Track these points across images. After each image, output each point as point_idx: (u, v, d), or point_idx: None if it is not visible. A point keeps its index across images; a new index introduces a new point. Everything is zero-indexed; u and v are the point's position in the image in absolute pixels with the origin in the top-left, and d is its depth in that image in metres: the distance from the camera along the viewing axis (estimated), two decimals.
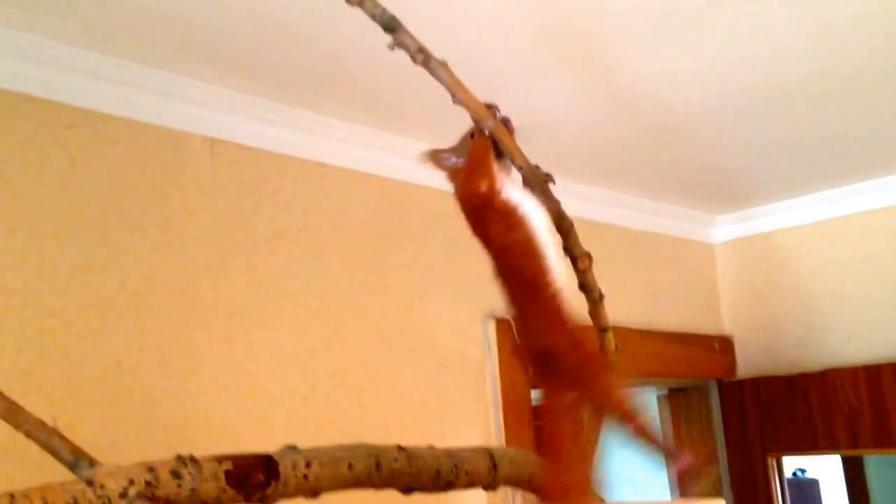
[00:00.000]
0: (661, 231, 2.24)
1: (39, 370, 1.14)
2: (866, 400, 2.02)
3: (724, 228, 2.38)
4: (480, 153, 0.73)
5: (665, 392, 2.47)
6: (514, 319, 0.72)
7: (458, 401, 1.64)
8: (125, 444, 1.16)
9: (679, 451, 0.73)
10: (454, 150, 0.75)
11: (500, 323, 1.72)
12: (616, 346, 0.86)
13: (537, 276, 0.70)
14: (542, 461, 0.70)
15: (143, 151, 1.31)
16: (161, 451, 0.70)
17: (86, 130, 1.25)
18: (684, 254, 2.33)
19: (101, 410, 1.18)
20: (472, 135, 0.74)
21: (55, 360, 1.16)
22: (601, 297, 0.80)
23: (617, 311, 2.48)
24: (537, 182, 0.73)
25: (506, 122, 0.74)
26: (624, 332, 1.99)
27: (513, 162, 0.74)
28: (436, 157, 0.76)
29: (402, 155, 1.58)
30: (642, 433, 0.70)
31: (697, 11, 1.21)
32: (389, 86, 1.39)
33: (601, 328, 0.83)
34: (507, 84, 1.40)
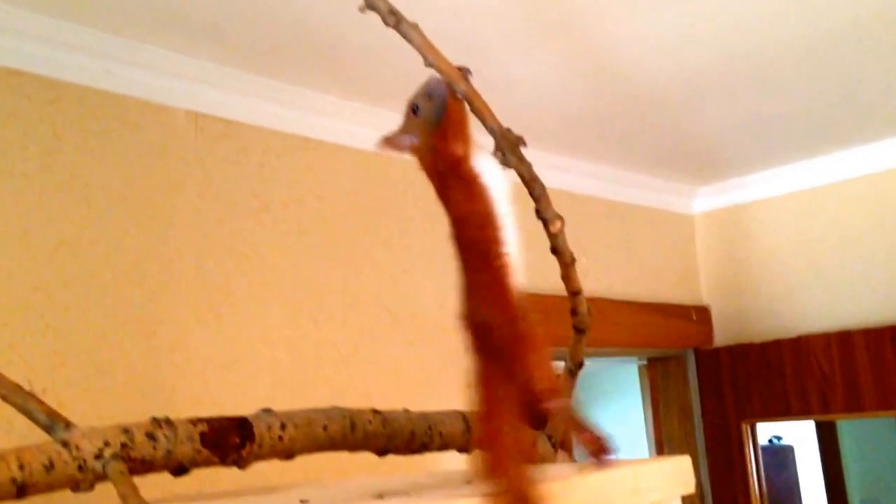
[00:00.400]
0: (641, 202, 2.25)
1: (24, 343, 1.13)
2: (838, 365, 2.06)
3: (704, 199, 2.40)
4: (458, 116, 0.73)
5: (645, 362, 2.50)
6: (460, 289, 0.72)
7: (441, 373, 1.66)
8: (111, 416, 1.15)
9: (593, 438, 0.71)
10: (404, 130, 0.75)
11: None
12: (588, 309, 0.87)
13: (489, 247, 0.69)
14: (479, 430, 0.69)
15: (128, 125, 1.30)
16: None
17: (70, 104, 1.23)
18: (664, 225, 2.34)
19: (87, 383, 1.18)
20: (412, 110, 0.74)
21: (40, 334, 1.15)
22: (573, 260, 0.81)
23: (597, 282, 2.46)
24: (509, 145, 0.74)
25: (463, 71, 0.74)
26: (604, 303, 2.01)
27: (484, 124, 0.74)
28: (391, 142, 0.76)
29: (386, 129, 1.57)
30: (562, 415, 0.69)
31: None
32: (373, 60, 1.38)
33: (573, 291, 0.84)
34: (483, 53, 1.39)
